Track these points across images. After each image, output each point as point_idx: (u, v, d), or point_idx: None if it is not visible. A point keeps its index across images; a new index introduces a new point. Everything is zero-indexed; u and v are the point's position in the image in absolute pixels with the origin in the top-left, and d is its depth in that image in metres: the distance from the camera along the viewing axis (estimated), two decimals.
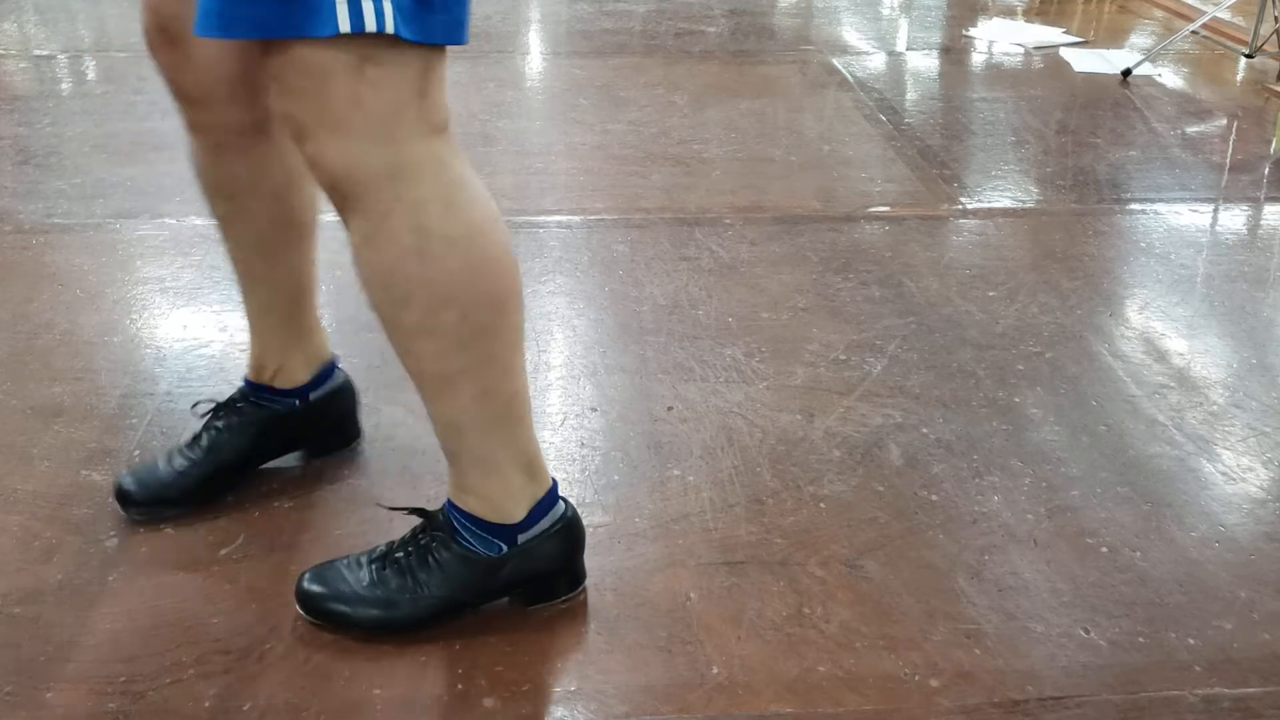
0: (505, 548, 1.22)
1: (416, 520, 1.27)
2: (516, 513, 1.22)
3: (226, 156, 1.29)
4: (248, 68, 1.22)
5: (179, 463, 1.41)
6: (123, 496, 1.40)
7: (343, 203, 1.05)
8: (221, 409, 1.45)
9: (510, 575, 1.24)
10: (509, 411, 1.17)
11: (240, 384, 1.46)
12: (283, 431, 1.47)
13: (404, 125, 1.01)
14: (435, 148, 1.04)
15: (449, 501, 1.23)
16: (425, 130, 1.03)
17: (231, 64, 1.22)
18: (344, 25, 0.94)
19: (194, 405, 1.50)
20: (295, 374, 1.44)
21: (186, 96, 1.25)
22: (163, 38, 1.21)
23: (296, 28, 0.95)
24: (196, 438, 1.43)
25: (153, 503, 1.40)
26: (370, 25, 0.95)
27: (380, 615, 1.23)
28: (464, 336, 1.10)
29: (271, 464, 1.52)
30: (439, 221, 1.05)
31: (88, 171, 2.48)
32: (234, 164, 1.29)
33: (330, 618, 1.24)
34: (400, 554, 1.24)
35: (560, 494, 1.27)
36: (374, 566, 1.25)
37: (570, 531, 1.27)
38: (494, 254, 1.09)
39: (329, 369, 1.49)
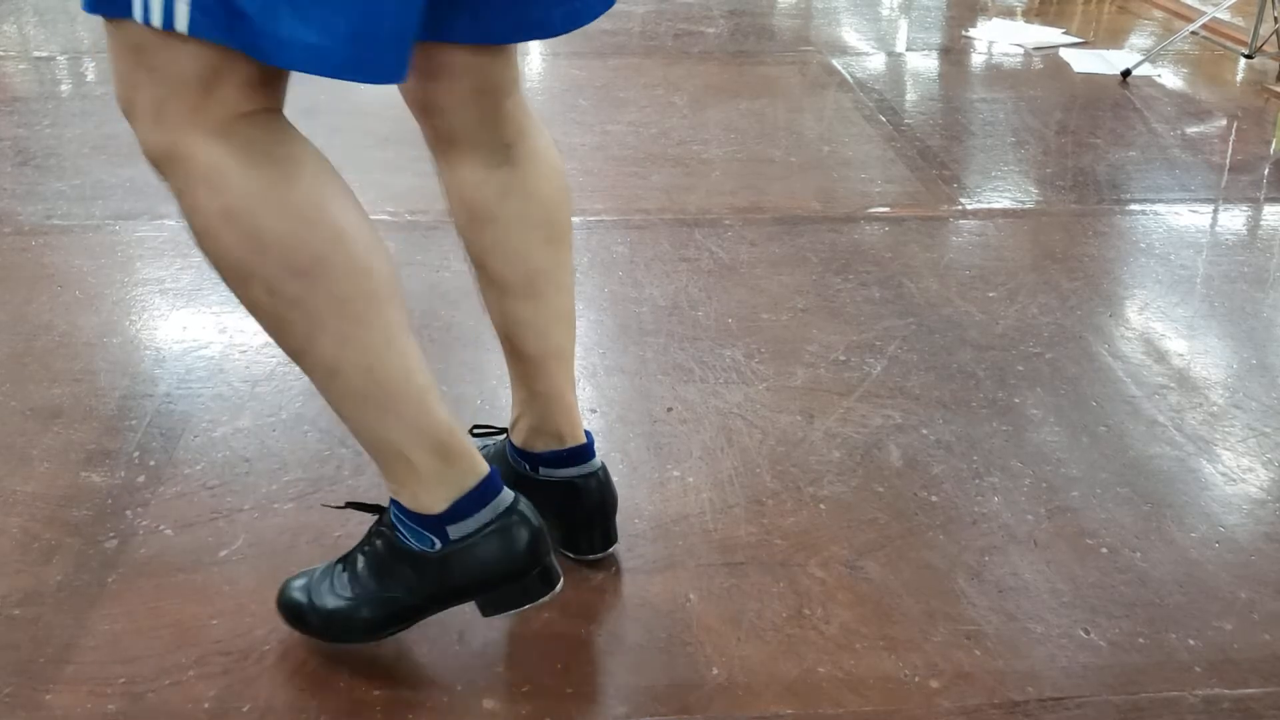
0: (438, 542, 1.13)
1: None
2: (435, 503, 1.11)
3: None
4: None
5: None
6: None
7: None
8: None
9: (461, 576, 1.14)
10: (374, 388, 1.08)
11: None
12: (525, 489, 1.26)
13: (177, 115, 0.98)
14: (215, 142, 1.00)
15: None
16: (203, 127, 0.99)
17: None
18: (137, 14, 0.93)
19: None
20: (521, 433, 1.33)
21: None
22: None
23: (94, 5, 0.95)
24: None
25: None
26: (156, 20, 0.92)
27: (339, 623, 1.19)
28: (279, 310, 1.05)
29: (269, 466, 1.52)
30: (213, 198, 1.01)
31: (87, 173, 2.48)
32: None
33: (304, 628, 1.22)
34: (358, 554, 1.19)
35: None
36: (337, 568, 1.20)
37: (520, 527, 1.14)
38: (284, 221, 1.02)
39: (567, 454, 1.32)
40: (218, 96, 1.00)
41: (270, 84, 1.02)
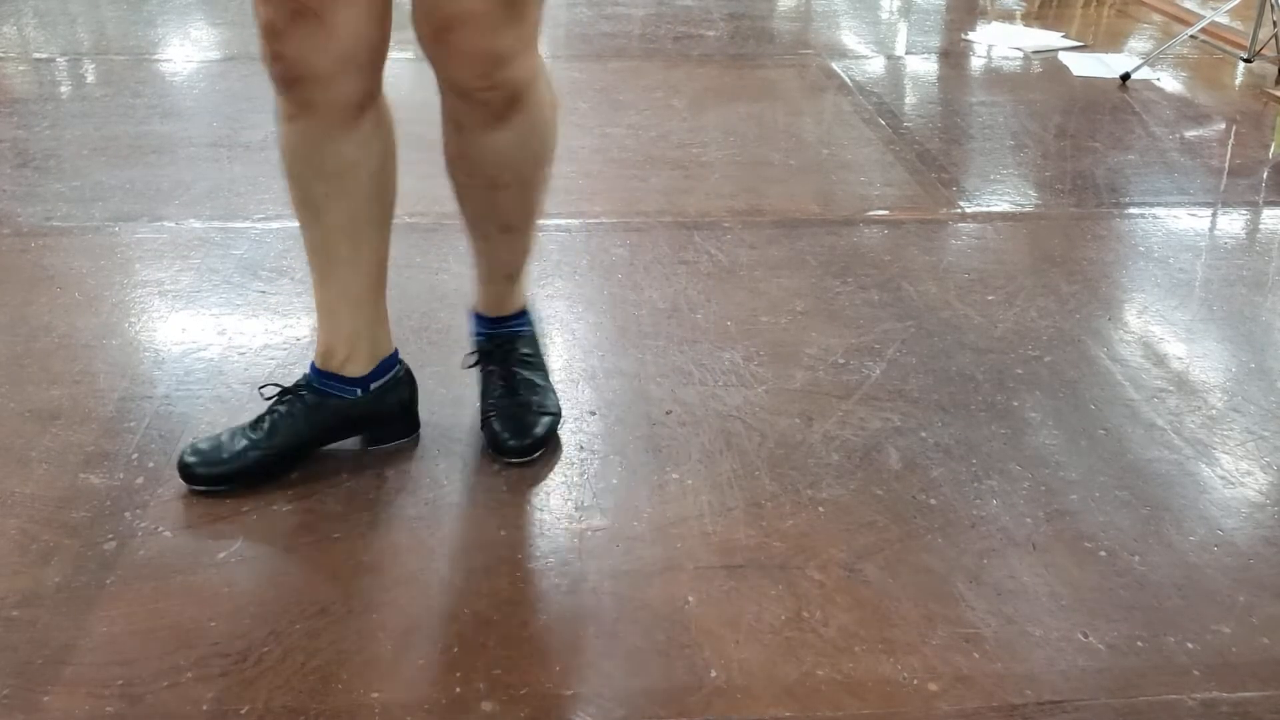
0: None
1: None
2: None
3: (335, 134, 1.36)
4: (384, 35, 1.32)
5: (240, 443, 1.47)
6: (185, 471, 1.47)
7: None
8: (286, 394, 1.50)
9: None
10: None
11: (306, 371, 1.52)
12: (344, 419, 1.52)
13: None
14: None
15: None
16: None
17: (373, 31, 1.30)
18: None
19: (261, 388, 1.55)
20: (361, 363, 1.50)
21: (314, 73, 1.30)
22: (298, 17, 1.26)
23: None
24: (259, 420, 1.49)
25: (214, 480, 1.47)
26: None
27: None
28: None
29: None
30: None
31: (86, 174, 2.48)
32: (341, 142, 1.37)
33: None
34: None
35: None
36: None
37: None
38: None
39: (391, 360, 1.54)
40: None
41: None
